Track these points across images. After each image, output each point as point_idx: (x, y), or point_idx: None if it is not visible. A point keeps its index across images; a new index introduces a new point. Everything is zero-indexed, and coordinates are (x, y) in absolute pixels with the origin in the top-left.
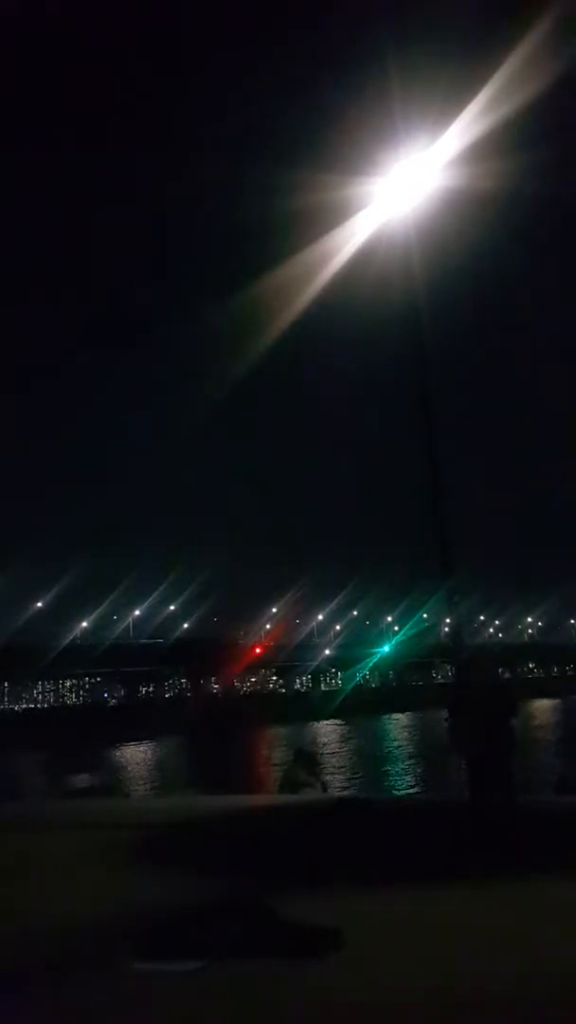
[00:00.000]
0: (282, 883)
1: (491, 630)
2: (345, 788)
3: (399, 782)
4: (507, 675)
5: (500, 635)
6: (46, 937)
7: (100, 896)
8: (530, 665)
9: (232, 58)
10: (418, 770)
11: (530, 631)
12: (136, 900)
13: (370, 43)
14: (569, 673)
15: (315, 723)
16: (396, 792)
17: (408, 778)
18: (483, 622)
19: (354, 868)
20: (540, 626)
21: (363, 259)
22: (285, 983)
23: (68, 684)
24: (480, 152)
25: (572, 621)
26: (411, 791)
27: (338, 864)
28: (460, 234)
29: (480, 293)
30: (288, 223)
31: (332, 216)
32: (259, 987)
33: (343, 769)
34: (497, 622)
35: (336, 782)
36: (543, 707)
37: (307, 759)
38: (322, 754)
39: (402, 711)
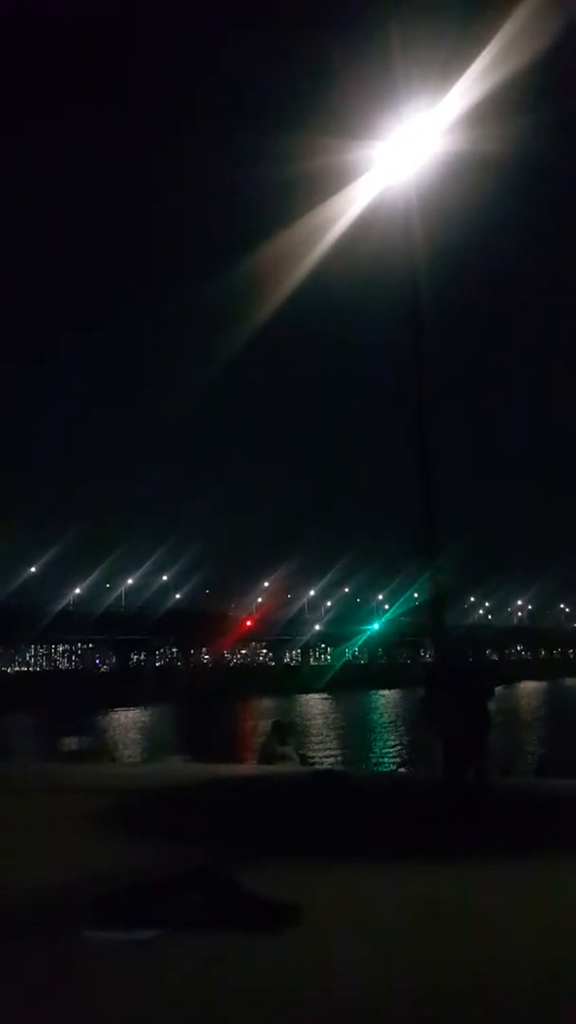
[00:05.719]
0: (252, 854)
1: (480, 612)
2: (326, 761)
3: (381, 757)
4: (494, 657)
5: (490, 617)
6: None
7: (68, 861)
8: (519, 647)
9: (225, 18)
10: (401, 746)
11: (519, 614)
12: (103, 867)
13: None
14: (556, 656)
15: (303, 696)
16: (376, 767)
17: (391, 754)
18: (472, 603)
19: (325, 841)
20: (530, 609)
21: (362, 227)
22: (239, 957)
23: (60, 649)
24: (484, 114)
25: (562, 605)
26: (392, 767)
27: (309, 837)
28: (463, 200)
29: (484, 260)
30: (283, 190)
31: (330, 182)
32: (211, 961)
33: (326, 742)
34: (487, 604)
35: (317, 755)
36: (530, 689)
37: (283, 731)
38: (303, 726)
39: (390, 688)
